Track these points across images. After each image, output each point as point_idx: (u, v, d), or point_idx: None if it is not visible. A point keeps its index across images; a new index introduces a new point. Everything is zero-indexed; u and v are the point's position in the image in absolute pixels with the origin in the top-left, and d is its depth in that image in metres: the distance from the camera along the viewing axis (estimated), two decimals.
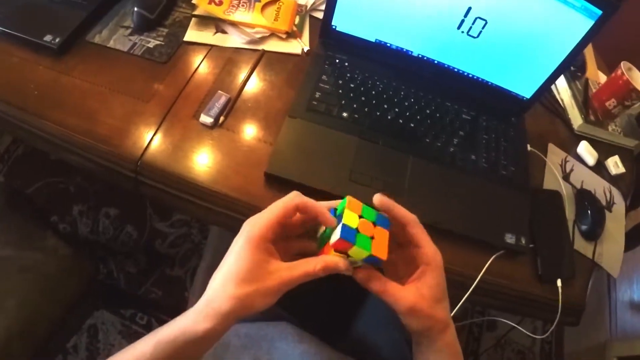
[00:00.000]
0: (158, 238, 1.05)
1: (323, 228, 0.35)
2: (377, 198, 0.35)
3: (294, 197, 0.34)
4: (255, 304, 0.31)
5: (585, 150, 0.65)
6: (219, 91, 0.53)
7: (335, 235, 0.32)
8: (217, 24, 0.60)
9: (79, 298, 0.64)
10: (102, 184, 1.07)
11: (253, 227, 0.32)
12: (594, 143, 0.66)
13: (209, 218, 0.51)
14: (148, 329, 0.89)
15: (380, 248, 0.32)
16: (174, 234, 1.06)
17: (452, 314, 0.51)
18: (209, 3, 0.60)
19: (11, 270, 0.61)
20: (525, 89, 0.59)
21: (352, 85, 0.55)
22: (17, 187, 1.03)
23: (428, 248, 0.35)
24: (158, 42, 0.58)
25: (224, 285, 0.31)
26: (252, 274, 0.31)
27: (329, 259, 0.32)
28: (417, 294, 0.33)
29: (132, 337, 0.88)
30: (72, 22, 0.56)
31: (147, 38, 0.58)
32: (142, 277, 0.97)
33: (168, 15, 0.61)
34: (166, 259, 1.02)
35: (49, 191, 1.06)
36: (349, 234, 0.31)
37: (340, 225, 0.32)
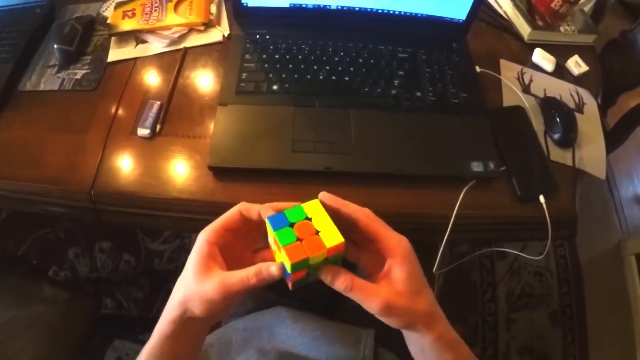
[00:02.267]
0: (155, 258, 1.07)
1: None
2: (322, 197, 0.34)
3: (239, 205, 0.35)
4: (195, 307, 0.31)
5: (540, 57, 0.62)
6: (150, 100, 0.53)
7: (287, 262, 0.30)
8: (136, 35, 0.59)
9: (88, 336, 0.65)
10: (87, 222, 1.08)
11: (201, 234, 0.33)
12: (550, 48, 0.63)
13: (175, 225, 0.51)
14: None
15: (330, 235, 0.30)
16: (168, 249, 1.07)
17: (437, 260, 0.50)
18: (123, 18, 0.59)
19: (18, 330, 0.63)
20: (458, 11, 0.57)
21: (276, 57, 0.53)
22: (9, 249, 1.06)
23: (388, 239, 0.33)
24: (85, 71, 0.57)
25: (175, 287, 0.33)
26: (194, 278, 0.31)
27: (262, 265, 0.31)
28: (390, 290, 0.31)
29: None
30: (0, 78, 0.56)
31: (73, 70, 0.58)
32: (150, 299, 0.99)
33: (88, 42, 0.60)
34: (168, 274, 1.04)
35: (41, 244, 1.08)
36: (278, 220, 0.31)
37: (284, 253, 0.30)
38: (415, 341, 0.34)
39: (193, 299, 0.31)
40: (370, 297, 0.31)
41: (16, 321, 0.63)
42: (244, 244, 0.36)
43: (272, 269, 0.31)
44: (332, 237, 0.30)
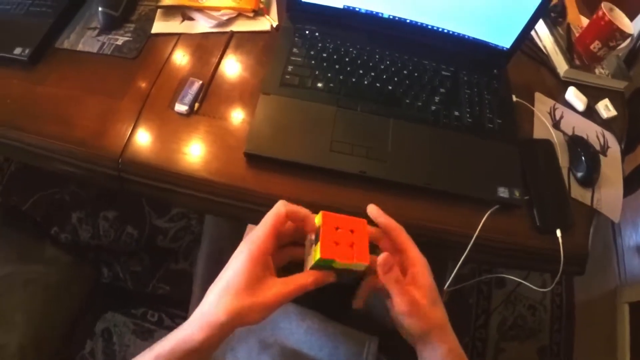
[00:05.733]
0: (159, 234, 1.06)
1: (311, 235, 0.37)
2: (370, 209, 0.39)
3: (281, 206, 0.36)
4: (250, 317, 0.32)
5: (573, 95, 0.63)
6: (191, 78, 0.52)
7: (317, 254, 0.34)
8: (183, 11, 0.59)
9: (84, 302, 0.64)
10: (97, 188, 1.07)
11: (252, 243, 0.33)
12: (582, 88, 0.64)
13: (196, 205, 0.51)
14: (160, 325, 0.90)
15: (361, 253, 0.34)
16: (173, 228, 1.06)
17: (451, 278, 0.51)
18: None
19: (15, 286, 0.62)
20: (504, 39, 0.57)
21: (324, 55, 0.54)
22: (14, 203, 1.05)
23: (412, 252, 0.37)
24: (126, 39, 0.57)
25: (221, 298, 0.32)
26: (249, 289, 0.32)
27: (318, 273, 0.35)
28: (416, 294, 0.35)
29: (146, 335, 0.89)
30: (39, 31, 0.55)
31: (115, 36, 0.57)
32: (148, 275, 0.98)
33: (133, 10, 0.60)
34: (170, 253, 1.03)
35: (45, 203, 1.07)
36: (326, 258, 0.33)
37: (318, 246, 0.34)
38: (428, 355, 0.36)
39: (252, 310, 0.32)
40: (404, 292, 0.35)
41: (15, 276, 0.62)
42: (277, 243, 0.37)
43: (328, 276, 0.35)
44: (361, 255, 0.34)
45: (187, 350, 0.31)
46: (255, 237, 0.34)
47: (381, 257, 0.34)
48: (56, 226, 1.04)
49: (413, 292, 0.35)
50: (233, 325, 0.32)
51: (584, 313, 1.03)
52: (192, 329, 0.31)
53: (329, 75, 0.52)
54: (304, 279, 0.34)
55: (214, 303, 0.32)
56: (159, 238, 1.05)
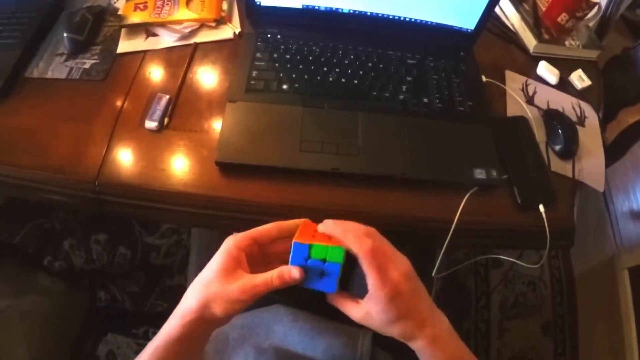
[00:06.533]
0: (152, 252, 1.06)
1: None
2: (322, 225, 0.37)
3: (276, 223, 0.37)
4: (216, 306, 0.33)
5: (545, 69, 0.63)
6: (159, 93, 0.53)
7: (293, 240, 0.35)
8: (147, 28, 0.60)
9: (82, 328, 0.65)
10: (86, 213, 1.08)
11: (229, 239, 0.36)
12: (554, 61, 0.64)
13: (177, 219, 0.51)
14: None
15: (338, 243, 0.35)
16: (165, 244, 1.07)
17: (437, 265, 0.51)
18: (134, 10, 0.60)
19: (13, 319, 0.62)
20: (467, 21, 0.57)
21: (287, 57, 0.54)
22: (4, 239, 1.05)
23: (371, 279, 0.34)
24: (93, 61, 0.57)
25: (193, 288, 0.34)
26: (218, 280, 0.33)
27: (284, 268, 0.35)
28: (368, 309, 0.35)
29: None
30: (7, 64, 0.56)
31: (82, 60, 0.57)
32: (145, 294, 0.98)
33: (98, 32, 0.60)
34: (164, 270, 1.04)
35: (36, 234, 1.08)
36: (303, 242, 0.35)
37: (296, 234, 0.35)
38: (416, 350, 0.36)
39: (216, 299, 0.33)
40: (352, 317, 0.36)
41: (11, 310, 0.62)
42: (260, 257, 0.38)
43: (294, 272, 0.34)
44: (339, 244, 0.35)
45: (170, 341, 0.33)
46: (234, 236, 0.36)
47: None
48: (49, 255, 1.04)
49: (359, 313, 0.36)
50: (202, 313, 0.33)
51: (584, 284, 1.03)
52: (171, 321, 0.34)
53: (294, 76, 0.52)
54: (269, 275, 0.34)
55: (189, 294, 0.34)
56: (152, 255, 1.06)
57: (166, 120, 0.51)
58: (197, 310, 0.33)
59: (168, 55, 0.58)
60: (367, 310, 0.35)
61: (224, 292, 0.33)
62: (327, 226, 0.36)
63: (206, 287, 0.34)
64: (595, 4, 0.62)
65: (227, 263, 0.34)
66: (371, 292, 0.34)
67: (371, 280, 0.34)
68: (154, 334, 0.35)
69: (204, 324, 0.34)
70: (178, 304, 0.36)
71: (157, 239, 1.08)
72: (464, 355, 0.36)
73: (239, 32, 0.59)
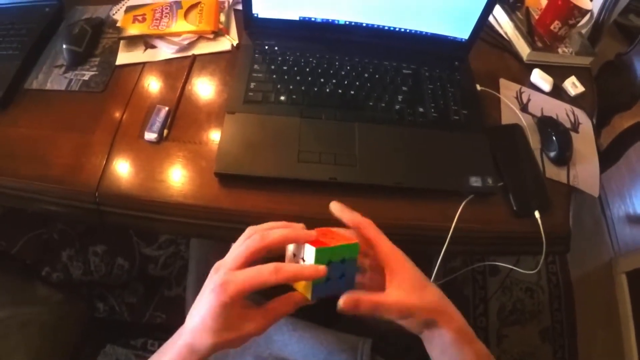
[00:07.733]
0: (150, 263, 1.06)
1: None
2: (332, 206, 0.38)
3: (254, 236, 0.34)
4: (234, 345, 0.32)
5: (539, 77, 0.64)
6: (158, 105, 0.53)
7: (312, 251, 0.33)
8: (145, 40, 0.60)
9: (81, 337, 0.65)
10: (84, 224, 1.08)
11: (227, 286, 0.31)
12: (548, 69, 0.65)
13: (176, 230, 0.51)
14: None
15: (347, 239, 0.34)
16: (163, 255, 1.07)
17: (434, 272, 0.51)
18: (133, 22, 0.60)
19: (11, 330, 0.62)
20: (461, 31, 0.58)
21: (285, 68, 0.54)
22: (3, 249, 1.05)
23: (383, 245, 0.36)
24: (92, 73, 0.58)
25: (203, 330, 0.31)
26: (229, 326, 0.31)
27: (296, 295, 0.33)
28: (400, 291, 0.34)
29: None
30: (7, 75, 0.56)
31: (81, 71, 0.58)
32: (143, 305, 0.98)
33: (97, 44, 0.61)
34: (162, 281, 1.03)
35: (34, 244, 1.07)
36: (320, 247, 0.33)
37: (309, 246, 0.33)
38: (436, 343, 0.35)
39: (231, 343, 0.32)
40: (390, 304, 0.33)
41: (10, 320, 0.62)
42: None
43: (307, 299, 0.33)
44: (348, 240, 0.34)
45: None
46: (229, 279, 0.31)
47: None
48: (47, 266, 1.04)
49: (392, 295, 0.34)
50: (217, 351, 0.32)
51: (582, 289, 1.03)
52: (180, 354, 0.32)
53: (291, 87, 0.53)
54: (284, 307, 0.33)
55: (198, 333, 0.32)
56: (150, 267, 1.06)
57: (165, 131, 0.51)
58: (214, 351, 0.32)
59: (167, 67, 0.58)
60: (396, 284, 0.34)
61: (241, 334, 0.32)
62: (337, 208, 0.38)
63: (218, 334, 0.31)
64: (588, 11, 0.63)
65: (234, 313, 0.31)
66: (386, 257, 0.35)
67: (384, 245, 0.36)
68: (153, 345, 0.34)
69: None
70: (177, 316, 0.34)
71: (155, 250, 1.08)
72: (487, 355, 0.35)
73: (237, 44, 0.60)
